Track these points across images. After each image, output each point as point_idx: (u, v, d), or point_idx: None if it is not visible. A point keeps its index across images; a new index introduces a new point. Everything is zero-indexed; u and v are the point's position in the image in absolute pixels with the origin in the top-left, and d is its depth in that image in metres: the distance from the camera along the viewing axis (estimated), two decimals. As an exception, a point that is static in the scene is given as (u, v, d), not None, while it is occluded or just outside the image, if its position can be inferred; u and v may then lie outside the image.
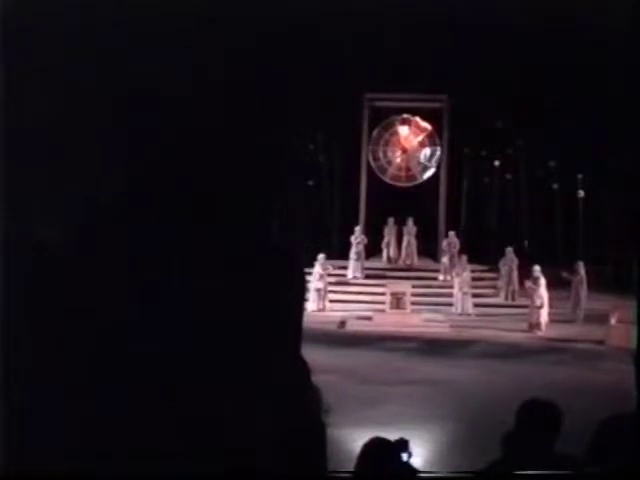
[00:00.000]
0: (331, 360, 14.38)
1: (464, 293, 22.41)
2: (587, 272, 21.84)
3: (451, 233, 25.36)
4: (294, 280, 2.14)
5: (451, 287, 23.22)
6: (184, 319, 1.91)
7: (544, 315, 20.09)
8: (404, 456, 4.80)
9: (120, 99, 2.08)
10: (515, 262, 23.32)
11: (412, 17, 19.03)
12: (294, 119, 22.37)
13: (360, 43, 20.80)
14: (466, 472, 4.84)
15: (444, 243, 25.13)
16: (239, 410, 1.90)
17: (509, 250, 23.74)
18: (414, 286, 22.10)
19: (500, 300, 23.28)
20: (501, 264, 23.61)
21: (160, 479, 1.90)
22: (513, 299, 23.01)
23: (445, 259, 24.69)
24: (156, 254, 1.93)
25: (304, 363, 2.08)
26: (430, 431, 11.17)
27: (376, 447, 4.46)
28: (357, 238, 24.99)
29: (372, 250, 26.13)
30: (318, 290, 22.18)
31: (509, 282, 23.29)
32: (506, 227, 29.39)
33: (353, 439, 8.33)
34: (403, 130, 27.16)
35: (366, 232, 25.56)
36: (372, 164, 26.99)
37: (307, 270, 20.66)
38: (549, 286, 20.51)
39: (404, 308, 21.07)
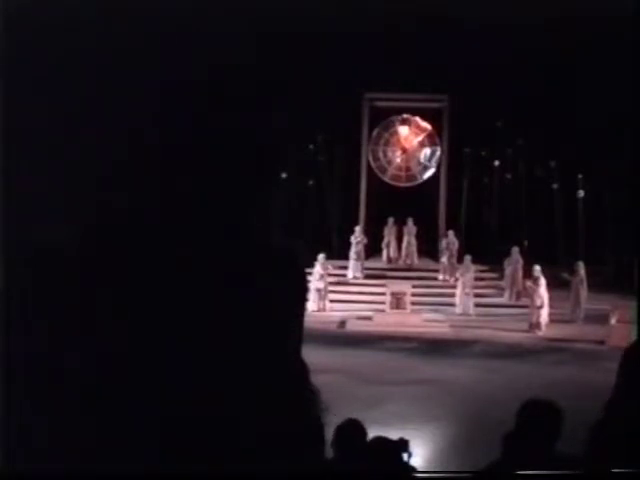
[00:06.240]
0: (331, 360, 14.39)
1: (466, 293, 22.43)
2: (587, 272, 21.83)
3: (450, 232, 25.36)
4: (295, 280, 2.13)
5: (451, 287, 23.23)
6: (183, 319, 1.91)
7: (544, 315, 20.09)
8: (404, 456, 4.82)
9: (119, 98, 2.08)
10: (520, 262, 23.21)
11: (412, 17, 19.03)
12: (294, 119, 22.37)
13: (360, 43, 20.81)
14: (466, 472, 4.85)
15: (443, 243, 25.14)
16: (237, 410, 1.90)
17: (515, 250, 23.64)
18: (414, 286, 22.11)
19: (502, 300, 23.26)
20: (506, 264, 23.53)
21: (160, 478, 1.90)
22: (518, 299, 22.94)
23: (444, 259, 24.70)
24: (154, 255, 1.93)
25: (303, 363, 2.08)
26: (430, 431, 11.18)
27: (379, 446, 4.50)
28: (357, 238, 24.98)
29: (372, 250, 26.13)
30: (318, 290, 22.18)
31: (513, 282, 23.21)
32: (506, 227, 29.37)
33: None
34: (403, 130, 27.16)
35: (366, 232, 25.55)
36: (372, 164, 26.99)
37: (307, 270, 20.65)
38: (549, 286, 20.51)
39: (404, 308, 21.08)
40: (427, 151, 27.06)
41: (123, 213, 1.97)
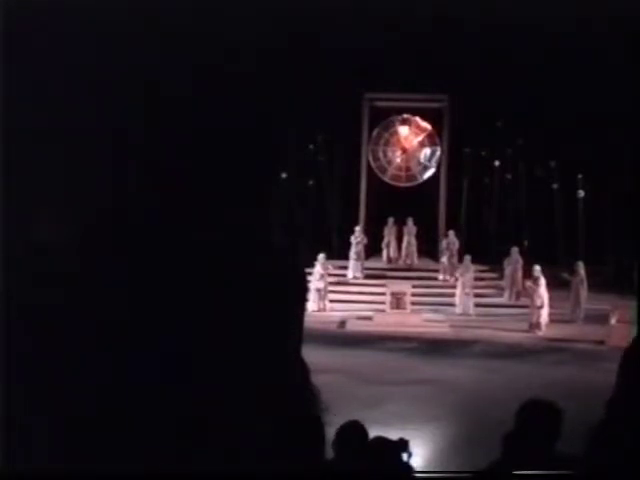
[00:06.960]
0: (331, 360, 14.40)
1: (466, 293, 22.43)
2: (587, 272, 21.82)
3: (451, 232, 25.35)
4: (295, 280, 2.14)
5: (451, 287, 23.22)
6: (185, 320, 1.92)
7: (544, 315, 20.09)
8: (404, 456, 4.83)
9: (120, 99, 2.08)
10: (520, 262, 23.16)
11: (412, 17, 19.04)
12: (294, 119, 22.38)
13: (360, 43, 20.81)
14: (466, 472, 4.85)
15: (444, 243, 25.14)
16: (238, 410, 1.91)
17: (515, 250, 23.60)
18: (414, 286, 22.11)
19: (502, 300, 23.24)
20: (506, 264, 23.49)
21: (160, 478, 1.91)
22: (518, 299, 22.91)
23: (444, 259, 24.70)
24: (157, 255, 1.94)
25: (303, 363, 2.09)
26: (430, 431, 11.18)
27: (379, 446, 4.50)
28: (357, 238, 24.98)
29: (372, 250, 26.13)
30: (318, 290, 22.19)
31: (513, 282, 23.18)
32: (506, 227, 29.37)
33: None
34: (403, 130, 27.16)
35: (366, 232, 25.55)
36: (372, 164, 26.99)
37: (307, 270, 20.64)
38: (549, 286, 20.50)
39: (404, 308, 21.08)
40: (427, 151, 27.05)
41: (123, 213, 1.98)
